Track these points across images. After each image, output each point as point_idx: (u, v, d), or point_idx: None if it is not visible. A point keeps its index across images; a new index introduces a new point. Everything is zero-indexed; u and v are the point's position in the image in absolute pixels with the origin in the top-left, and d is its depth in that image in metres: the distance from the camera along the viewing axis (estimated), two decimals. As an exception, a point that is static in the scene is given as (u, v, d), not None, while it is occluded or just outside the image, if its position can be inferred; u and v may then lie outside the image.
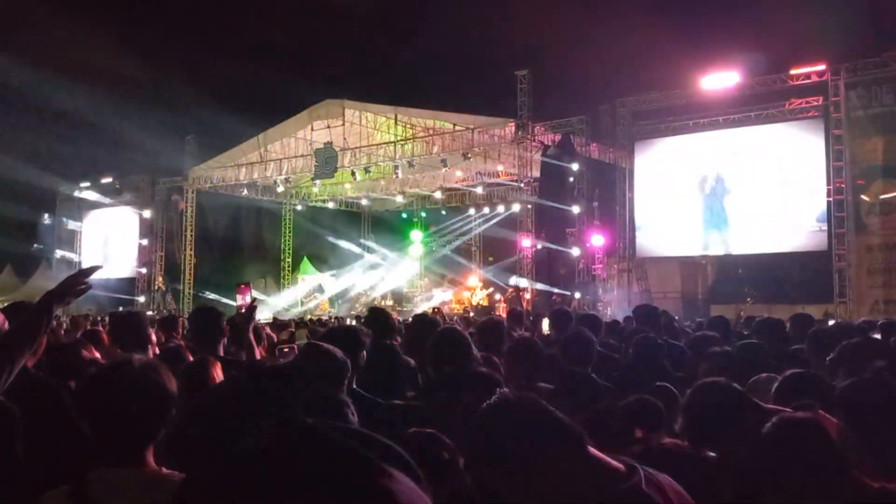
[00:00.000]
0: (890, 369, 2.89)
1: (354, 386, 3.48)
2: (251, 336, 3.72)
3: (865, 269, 19.30)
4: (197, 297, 26.12)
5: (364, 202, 30.97)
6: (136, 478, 1.85)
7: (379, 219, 32.70)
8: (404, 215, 31.55)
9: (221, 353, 4.12)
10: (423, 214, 31.42)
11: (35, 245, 29.90)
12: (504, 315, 11.78)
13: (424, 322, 5.50)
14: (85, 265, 30.10)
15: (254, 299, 4.05)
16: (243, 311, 3.88)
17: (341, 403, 2.51)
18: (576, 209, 21.05)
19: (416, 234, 31.56)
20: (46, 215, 31.31)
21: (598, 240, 22.18)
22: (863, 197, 19.41)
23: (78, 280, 2.75)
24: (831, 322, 8.97)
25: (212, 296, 24.93)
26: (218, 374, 3.16)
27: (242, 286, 20.96)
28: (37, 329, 2.56)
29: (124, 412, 1.88)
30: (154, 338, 4.52)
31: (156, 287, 26.50)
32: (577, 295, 20.37)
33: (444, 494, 1.73)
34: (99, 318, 12.82)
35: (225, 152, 26.57)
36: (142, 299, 27.56)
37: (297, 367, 3.26)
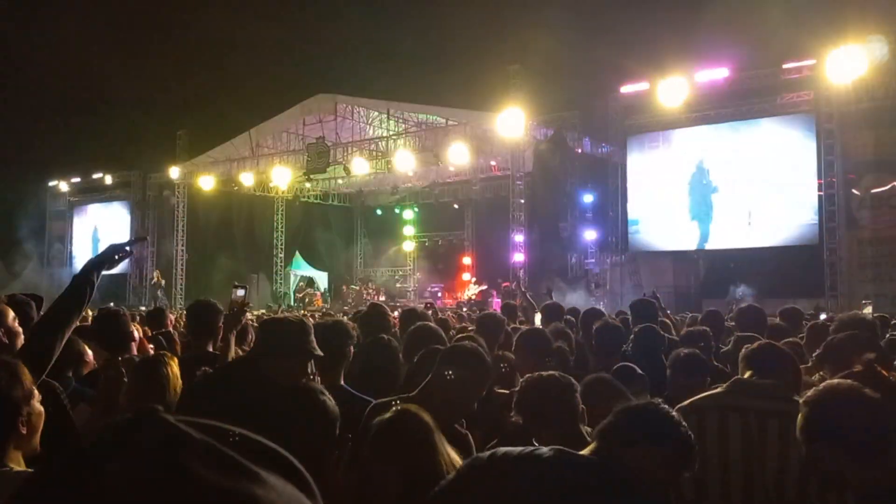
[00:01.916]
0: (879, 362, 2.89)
1: (342, 382, 3.46)
2: (231, 336, 3.75)
3: (856, 263, 19.38)
4: (189, 292, 26.02)
5: (356, 197, 30.89)
6: None
7: (371, 213, 32.61)
8: (397, 210, 31.46)
9: (211, 349, 4.11)
10: (416, 209, 31.35)
11: (25, 240, 29.68)
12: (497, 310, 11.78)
13: (412, 315, 5.50)
14: (77, 261, 29.72)
15: (246, 303, 4.00)
16: (234, 310, 3.91)
17: (302, 392, 2.49)
18: (568, 204, 21.03)
19: (409, 229, 31.52)
20: (37, 210, 31.09)
21: (590, 234, 22.22)
22: (854, 191, 19.46)
23: (119, 249, 3.02)
24: (822, 316, 9.02)
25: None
26: (173, 371, 3.16)
27: (239, 286, 20.83)
28: (82, 297, 2.81)
29: None
30: (137, 334, 4.48)
31: (153, 281, 26.39)
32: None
33: None
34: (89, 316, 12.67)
35: (216, 147, 26.43)
36: (133, 295, 27.45)
37: (258, 346, 3.27)
